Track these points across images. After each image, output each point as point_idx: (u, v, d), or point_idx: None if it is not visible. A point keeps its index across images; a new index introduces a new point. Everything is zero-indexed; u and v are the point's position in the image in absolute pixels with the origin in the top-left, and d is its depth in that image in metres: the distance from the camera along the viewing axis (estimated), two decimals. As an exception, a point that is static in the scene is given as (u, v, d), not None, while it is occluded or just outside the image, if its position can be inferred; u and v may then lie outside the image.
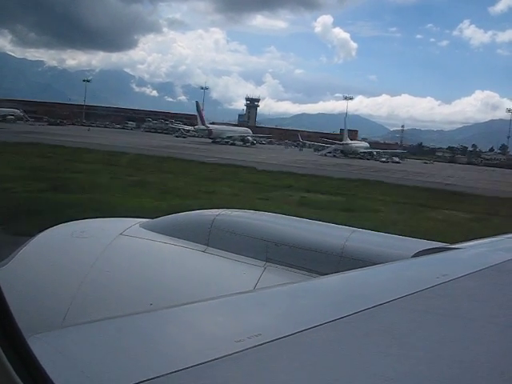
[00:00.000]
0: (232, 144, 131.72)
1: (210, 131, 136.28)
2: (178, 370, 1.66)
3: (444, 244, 4.51)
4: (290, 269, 4.55)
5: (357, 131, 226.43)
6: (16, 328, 1.27)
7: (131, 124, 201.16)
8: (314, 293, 3.01)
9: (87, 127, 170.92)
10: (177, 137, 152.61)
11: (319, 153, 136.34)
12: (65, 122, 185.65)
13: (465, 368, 1.95)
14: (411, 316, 2.49)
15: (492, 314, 2.66)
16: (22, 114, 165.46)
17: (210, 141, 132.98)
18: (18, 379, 1.22)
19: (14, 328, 1.26)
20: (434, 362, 1.96)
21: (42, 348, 1.64)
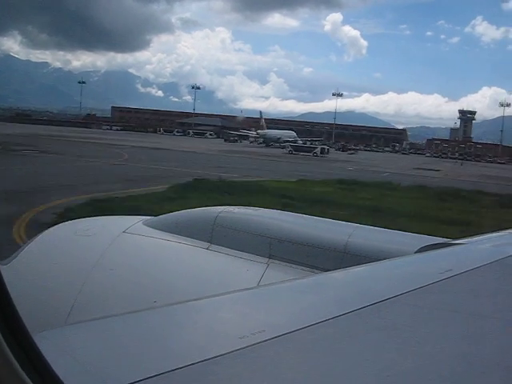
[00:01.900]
0: None
1: None
2: (182, 367, 1.66)
3: (447, 240, 4.50)
4: (293, 265, 4.55)
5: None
6: (22, 325, 1.28)
7: (398, 147, 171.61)
8: (317, 289, 3.02)
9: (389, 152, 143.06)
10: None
11: None
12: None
13: (469, 364, 1.94)
14: (415, 312, 2.49)
15: (496, 309, 2.64)
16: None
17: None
18: (24, 376, 1.22)
19: (20, 325, 1.27)
20: (437, 357, 1.96)
21: (46, 346, 1.62)
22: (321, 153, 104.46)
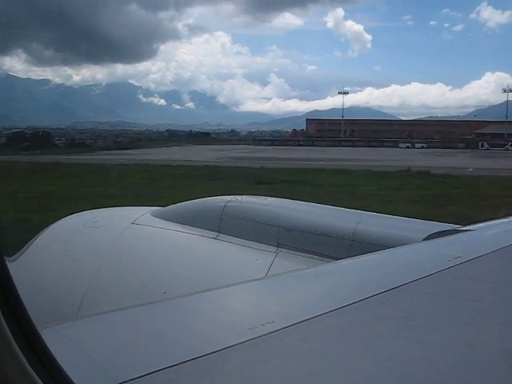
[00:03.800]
0: None
1: None
2: (192, 359, 1.67)
3: (456, 226, 4.49)
4: (301, 254, 4.54)
5: None
6: (29, 320, 1.28)
7: None
8: (326, 278, 3.04)
9: None
10: None
11: None
12: None
13: (477, 351, 1.93)
14: (424, 300, 2.48)
15: (505, 296, 2.63)
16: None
17: None
18: (31, 370, 1.24)
19: (26, 320, 1.28)
20: (446, 345, 1.96)
21: (55, 340, 1.64)
22: None
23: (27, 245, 5.09)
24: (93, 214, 5.64)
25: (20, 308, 1.26)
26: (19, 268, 4.77)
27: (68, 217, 5.62)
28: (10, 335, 1.20)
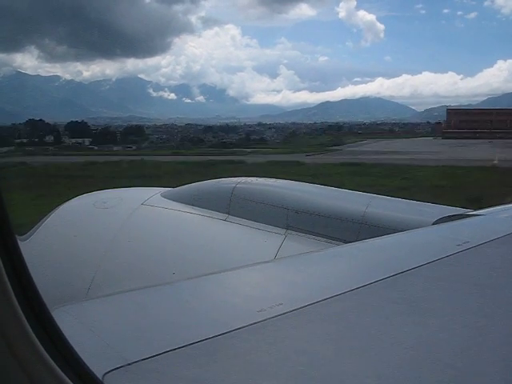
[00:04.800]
0: None
1: None
2: (201, 341, 1.66)
3: (465, 210, 4.50)
4: (310, 236, 4.56)
5: None
6: (40, 301, 1.28)
7: None
8: (334, 261, 3.05)
9: None
10: None
11: None
12: None
13: (484, 335, 1.92)
14: (432, 284, 2.50)
15: None
16: None
17: None
18: (43, 350, 1.22)
19: (38, 301, 1.27)
20: (454, 329, 1.96)
21: (66, 320, 1.65)
22: None
23: (37, 224, 5.12)
24: (103, 195, 5.67)
25: (31, 287, 1.25)
26: (29, 247, 4.79)
27: (78, 197, 5.67)
28: (22, 314, 1.19)
